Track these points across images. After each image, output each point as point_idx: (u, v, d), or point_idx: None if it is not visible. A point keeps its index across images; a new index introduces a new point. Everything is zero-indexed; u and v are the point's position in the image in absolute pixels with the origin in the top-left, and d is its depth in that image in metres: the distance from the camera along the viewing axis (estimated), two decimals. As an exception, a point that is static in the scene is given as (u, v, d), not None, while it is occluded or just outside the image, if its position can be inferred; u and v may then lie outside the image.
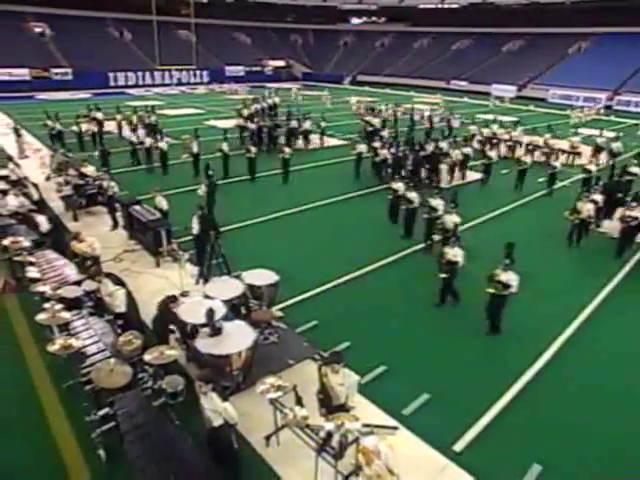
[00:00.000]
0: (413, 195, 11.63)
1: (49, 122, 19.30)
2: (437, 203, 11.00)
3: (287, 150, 16.01)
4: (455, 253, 8.41)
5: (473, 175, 17.76)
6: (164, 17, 49.31)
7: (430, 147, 17.36)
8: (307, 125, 22.14)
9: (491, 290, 7.64)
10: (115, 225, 12.26)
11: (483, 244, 11.04)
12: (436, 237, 10.43)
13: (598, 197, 12.46)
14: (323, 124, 22.45)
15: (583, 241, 11.86)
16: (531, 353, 7.58)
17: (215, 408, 4.58)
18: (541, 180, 16.77)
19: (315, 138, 22.45)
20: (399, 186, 12.51)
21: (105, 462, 5.29)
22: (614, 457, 5.75)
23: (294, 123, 21.88)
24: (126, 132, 21.65)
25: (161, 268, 10.18)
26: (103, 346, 5.92)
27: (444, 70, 53.88)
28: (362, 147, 17.62)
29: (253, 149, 16.24)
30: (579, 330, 8.29)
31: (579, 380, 7.05)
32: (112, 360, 5.32)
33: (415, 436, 5.87)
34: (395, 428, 4.76)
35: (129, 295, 7.37)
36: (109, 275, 7.61)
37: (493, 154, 17.26)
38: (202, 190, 12.48)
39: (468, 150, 17.60)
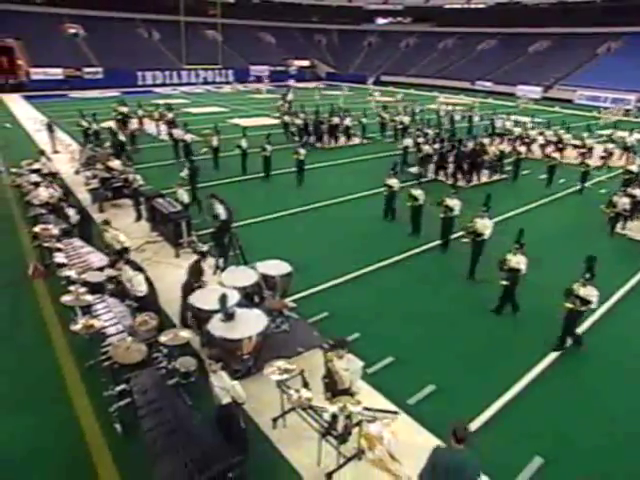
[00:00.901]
0: (418, 192, 11.65)
1: (83, 122, 19.41)
2: (454, 203, 10.84)
3: (302, 151, 15.86)
4: (518, 260, 8.01)
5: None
6: (192, 18, 50.24)
7: (470, 144, 17.87)
8: (348, 122, 23.06)
9: (569, 305, 7.30)
10: (139, 217, 12.66)
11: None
12: (465, 240, 10.16)
13: (637, 191, 12.78)
14: (364, 120, 23.46)
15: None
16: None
17: (224, 386, 4.78)
18: (562, 181, 16.68)
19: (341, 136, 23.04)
20: (393, 182, 12.63)
21: (121, 435, 5.57)
22: (616, 455, 5.73)
23: (336, 120, 22.74)
24: (152, 128, 22.31)
25: (181, 259, 10.49)
26: (122, 327, 6.21)
27: (469, 71, 53.33)
28: (408, 141, 18.35)
29: (269, 147, 16.26)
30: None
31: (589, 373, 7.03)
32: (129, 339, 5.59)
33: (418, 424, 5.95)
34: (395, 413, 4.87)
35: (148, 280, 7.67)
36: (129, 262, 7.91)
37: (523, 149, 18.34)
38: (184, 173, 13.49)
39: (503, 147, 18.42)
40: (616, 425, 6.16)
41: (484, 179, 17.53)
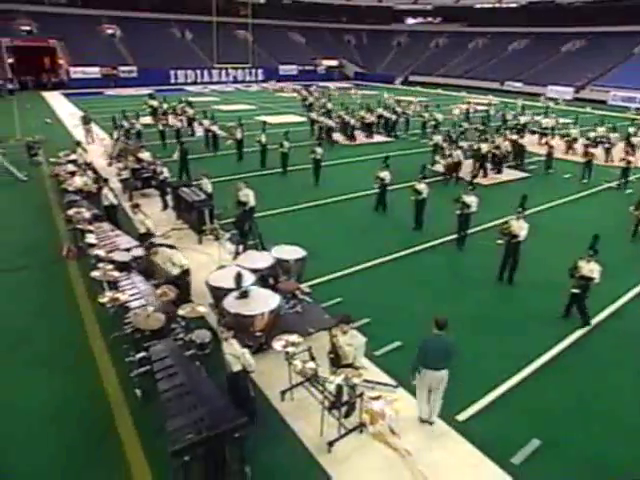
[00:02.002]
0: (422, 187, 11.69)
1: (125, 122, 19.53)
2: (471, 200, 10.77)
3: (319, 150, 15.58)
4: (592, 268, 7.69)
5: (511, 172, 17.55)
6: (223, 18, 51.11)
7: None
8: (373, 118, 23.88)
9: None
10: (165, 206, 13.22)
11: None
12: (499, 241, 9.49)
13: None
14: (394, 117, 24.39)
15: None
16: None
17: (234, 353, 5.10)
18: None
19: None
20: (385, 174, 12.73)
21: (141, 399, 5.97)
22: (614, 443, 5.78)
23: (372, 117, 23.71)
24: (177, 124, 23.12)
25: (203, 245, 10.94)
26: (144, 302, 6.62)
27: (499, 71, 52.49)
28: (438, 138, 18.58)
29: (287, 144, 16.49)
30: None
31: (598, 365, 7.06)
32: (150, 308, 5.99)
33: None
34: (395, 386, 5.08)
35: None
36: (162, 245, 8.35)
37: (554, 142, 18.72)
38: (176, 155, 15.07)
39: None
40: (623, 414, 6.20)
41: (503, 177, 17.37)
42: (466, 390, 6.42)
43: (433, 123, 23.74)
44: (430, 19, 67.16)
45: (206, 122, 20.01)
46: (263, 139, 17.31)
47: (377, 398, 5.81)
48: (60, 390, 6.28)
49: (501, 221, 12.41)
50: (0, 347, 7.18)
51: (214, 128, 19.41)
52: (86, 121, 20.34)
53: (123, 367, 6.27)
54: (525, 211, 9.50)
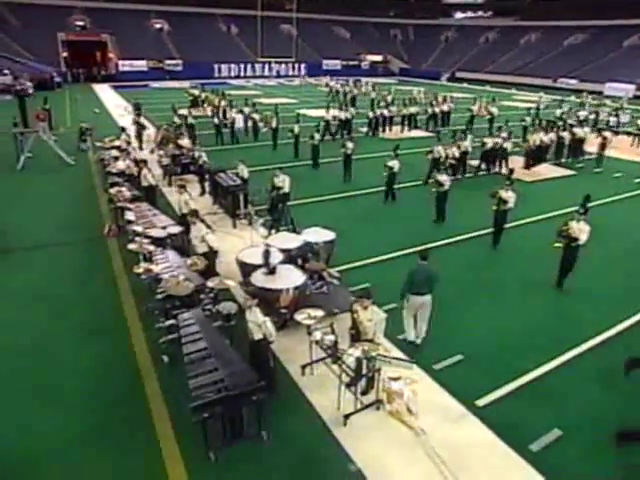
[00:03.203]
0: (444, 178, 11.63)
1: (176, 119, 19.67)
2: (508, 196, 10.51)
3: (349, 145, 15.40)
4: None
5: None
6: (268, 12, 52.06)
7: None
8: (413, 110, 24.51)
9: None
10: (203, 192, 13.76)
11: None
12: (557, 244, 9.08)
13: None
14: (429, 110, 24.49)
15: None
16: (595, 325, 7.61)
17: (256, 320, 5.38)
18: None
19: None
20: (394, 163, 12.93)
21: (167, 365, 6.37)
22: None
23: (412, 109, 24.43)
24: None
25: (237, 229, 11.36)
26: (176, 272, 7.02)
27: (552, 67, 50.73)
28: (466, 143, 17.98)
29: (317, 136, 16.71)
30: None
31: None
32: (181, 276, 6.38)
33: (439, 386, 6.23)
34: (412, 362, 5.20)
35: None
36: (203, 221, 8.74)
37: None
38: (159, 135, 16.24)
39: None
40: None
41: (546, 172, 16.90)
42: (488, 377, 6.46)
43: (488, 118, 23.41)
44: (480, 13, 65.76)
45: (247, 109, 21.13)
46: (296, 129, 17.66)
47: (397, 379, 5.99)
48: (97, 352, 6.79)
49: (532, 220, 12.35)
50: (47, 313, 7.81)
51: (255, 116, 20.48)
52: (138, 108, 21.41)
53: (153, 335, 6.70)
54: (587, 212, 8.94)
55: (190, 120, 19.47)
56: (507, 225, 10.96)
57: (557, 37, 55.82)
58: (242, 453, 5.19)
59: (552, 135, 18.36)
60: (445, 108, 25.37)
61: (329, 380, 6.15)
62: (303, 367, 6.33)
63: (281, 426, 5.53)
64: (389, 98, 27.39)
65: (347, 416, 5.55)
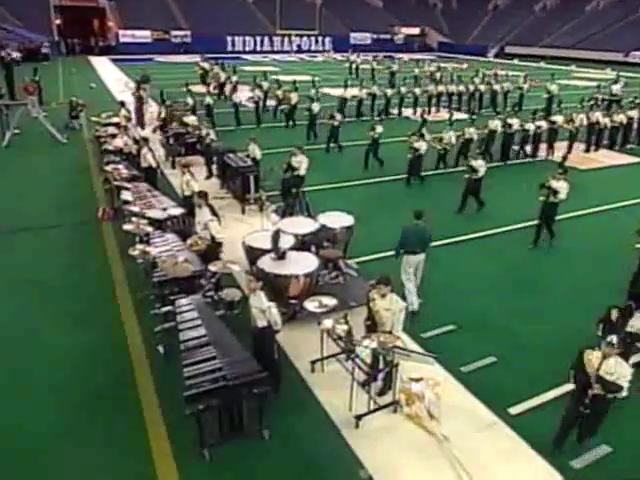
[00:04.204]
0: (479, 163, 11.69)
1: (189, 100, 20.00)
2: (560, 186, 10.34)
3: (378, 129, 15.21)
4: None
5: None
6: (290, -23, 52.52)
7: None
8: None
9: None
10: (209, 175, 14.08)
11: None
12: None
13: None
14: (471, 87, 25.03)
15: None
16: None
17: (260, 306, 5.56)
18: None
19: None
20: (421, 145, 13.56)
21: (163, 356, 6.62)
22: None
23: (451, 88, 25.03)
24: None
25: (246, 215, 11.62)
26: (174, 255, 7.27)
27: (623, 39, 49.46)
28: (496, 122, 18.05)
29: (338, 116, 16.99)
30: None
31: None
32: (180, 258, 6.63)
33: (467, 391, 6.32)
34: (434, 357, 5.30)
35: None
36: (211, 206, 9.00)
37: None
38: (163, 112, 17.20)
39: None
40: None
41: (606, 160, 16.77)
42: (523, 384, 6.51)
43: (546, 96, 23.43)
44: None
45: (265, 84, 21.89)
46: (315, 107, 17.99)
47: (418, 380, 6.11)
48: (84, 342, 7.08)
49: (581, 213, 12.25)
50: (30, 300, 8.17)
51: (278, 93, 21.34)
52: (145, 80, 22.06)
53: (148, 324, 6.96)
54: None
55: (208, 100, 19.63)
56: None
57: (630, 3, 54.26)
58: (240, 452, 5.36)
59: (622, 116, 18.15)
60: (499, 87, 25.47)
61: (341, 378, 6.27)
62: (313, 363, 6.49)
63: (285, 425, 5.69)
64: (437, 75, 27.62)
65: (359, 417, 5.68)
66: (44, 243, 10.16)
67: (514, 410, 6.11)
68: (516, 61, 49.56)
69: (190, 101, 19.51)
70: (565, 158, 15.26)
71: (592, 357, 5.05)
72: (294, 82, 21.75)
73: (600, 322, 7.06)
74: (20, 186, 13.35)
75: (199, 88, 24.47)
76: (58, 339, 7.17)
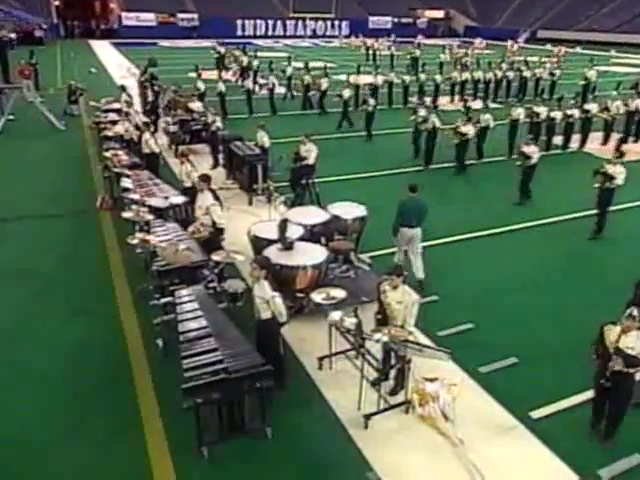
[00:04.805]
0: (532, 149, 11.94)
1: (200, 84, 19.79)
2: (616, 170, 10.36)
3: (421, 112, 15.45)
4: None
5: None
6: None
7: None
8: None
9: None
10: (215, 164, 14.26)
11: None
12: None
13: None
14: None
15: None
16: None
17: (264, 296, 5.64)
18: None
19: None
20: (469, 129, 14.13)
21: (162, 350, 6.73)
22: None
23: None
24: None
25: (253, 206, 11.75)
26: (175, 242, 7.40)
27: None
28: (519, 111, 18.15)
29: (372, 101, 17.27)
30: None
31: None
32: (181, 245, 6.75)
33: (485, 392, 6.35)
34: (448, 353, 5.33)
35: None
36: (213, 191, 9.11)
37: None
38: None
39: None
40: None
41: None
42: (550, 386, 6.51)
43: (583, 83, 23.38)
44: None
45: (289, 69, 22.67)
46: (346, 94, 18.29)
47: (433, 380, 6.15)
48: (79, 335, 7.27)
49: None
50: (24, 291, 8.37)
51: (306, 78, 21.75)
52: (153, 64, 22.57)
53: (147, 318, 7.11)
54: None
55: (220, 87, 19.76)
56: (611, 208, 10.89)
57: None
58: (241, 451, 5.44)
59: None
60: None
61: (350, 377, 6.34)
62: (320, 359, 6.56)
63: (289, 423, 5.76)
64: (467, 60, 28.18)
65: (369, 416, 5.74)
66: (39, 233, 10.39)
67: (536, 414, 6.10)
68: (549, 46, 49.08)
69: (202, 86, 19.64)
70: (623, 141, 15.22)
71: (612, 332, 5.25)
72: (325, 67, 22.21)
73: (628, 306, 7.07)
74: (14, 174, 13.68)
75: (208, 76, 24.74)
76: (53, 331, 7.35)
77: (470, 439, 5.69)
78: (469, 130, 14.09)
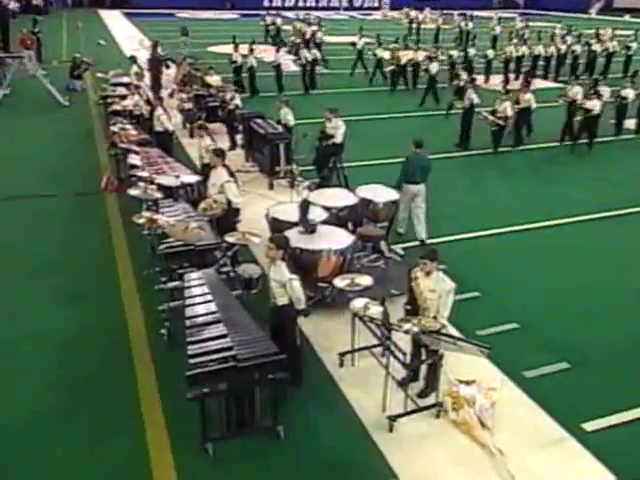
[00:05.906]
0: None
1: (239, 57, 20.76)
2: None
3: (473, 96, 15.32)
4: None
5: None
6: None
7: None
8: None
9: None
10: (233, 145, 14.51)
11: None
12: None
13: None
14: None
15: None
16: None
17: (281, 279, 5.77)
18: None
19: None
20: (595, 104, 14.44)
21: (166, 340, 6.95)
22: None
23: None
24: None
25: (274, 191, 11.93)
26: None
27: None
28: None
29: (464, 76, 18.05)
30: None
31: None
32: (192, 223, 6.95)
33: (530, 399, 6.36)
34: (488, 349, 5.37)
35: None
36: (226, 166, 9.32)
37: None
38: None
39: None
40: None
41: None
42: (607, 396, 6.51)
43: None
44: None
45: (361, 42, 24.02)
46: (433, 69, 19.99)
47: (469, 382, 6.21)
48: (79, 321, 7.56)
49: None
50: (21, 275, 8.71)
51: (378, 52, 22.99)
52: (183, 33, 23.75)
53: (152, 304, 7.32)
54: None
55: (251, 61, 20.29)
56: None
57: None
58: (249, 449, 5.58)
59: None
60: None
61: (374, 375, 6.43)
62: (342, 355, 6.67)
63: (304, 423, 5.89)
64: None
65: (394, 419, 5.81)
66: (39, 214, 10.79)
67: (590, 426, 6.10)
68: (627, 17, 48.29)
69: (238, 59, 20.62)
70: None
71: None
72: (405, 38, 22.69)
73: None
74: (12, 151, 14.17)
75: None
76: (51, 317, 7.65)
77: (510, 450, 5.73)
78: (595, 105, 14.52)
